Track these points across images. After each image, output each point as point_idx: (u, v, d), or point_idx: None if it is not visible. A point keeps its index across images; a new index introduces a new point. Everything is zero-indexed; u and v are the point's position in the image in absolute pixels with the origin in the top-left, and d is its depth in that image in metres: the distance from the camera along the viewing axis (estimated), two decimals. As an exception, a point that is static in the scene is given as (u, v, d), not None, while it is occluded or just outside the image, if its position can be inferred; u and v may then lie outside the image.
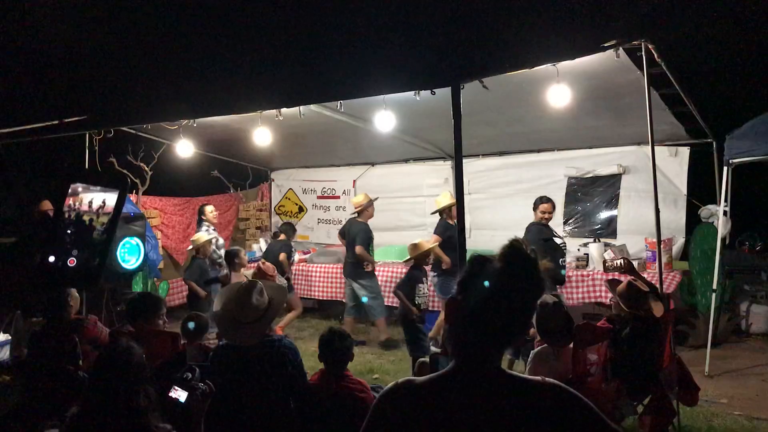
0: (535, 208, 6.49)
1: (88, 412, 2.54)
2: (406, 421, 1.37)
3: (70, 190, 2.16)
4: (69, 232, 1.93)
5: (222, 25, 4.37)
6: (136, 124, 6.84)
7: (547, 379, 1.41)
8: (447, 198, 7.25)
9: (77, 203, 1.93)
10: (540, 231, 6.31)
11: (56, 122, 5.07)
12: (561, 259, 6.24)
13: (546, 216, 6.40)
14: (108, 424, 2.46)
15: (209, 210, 7.73)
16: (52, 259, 1.88)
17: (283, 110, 5.89)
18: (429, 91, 3.97)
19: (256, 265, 6.05)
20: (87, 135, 6.58)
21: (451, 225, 7.00)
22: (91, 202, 1.98)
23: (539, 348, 4.10)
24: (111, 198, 1.97)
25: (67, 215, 1.91)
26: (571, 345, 3.91)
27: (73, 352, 3.12)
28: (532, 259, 1.41)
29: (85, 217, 1.92)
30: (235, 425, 3.28)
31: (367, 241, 7.61)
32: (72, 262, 1.86)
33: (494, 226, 8.19)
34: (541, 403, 1.35)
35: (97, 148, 6.89)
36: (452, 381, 1.40)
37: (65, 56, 4.98)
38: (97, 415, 2.48)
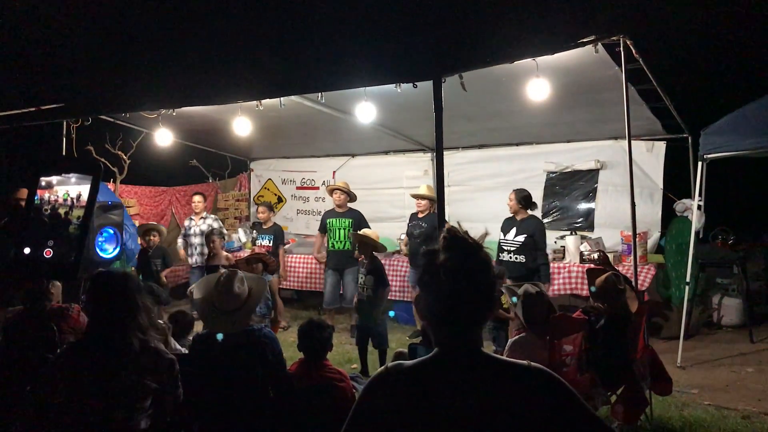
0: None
1: (88, 339, 2.62)
2: (397, 404, 1.41)
3: (44, 183, 2.13)
4: (44, 223, 1.91)
5: (203, 15, 4.34)
6: (115, 112, 6.73)
7: (533, 363, 1.45)
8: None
9: (52, 196, 1.91)
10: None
11: (33, 109, 5.00)
12: None
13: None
14: (110, 344, 2.53)
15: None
16: (27, 250, 1.86)
17: (264, 100, 5.86)
18: (410, 84, 3.97)
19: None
20: (64, 122, 6.49)
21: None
22: (66, 195, 1.96)
23: (516, 337, 4.16)
24: (86, 190, 1.95)
25: (42, 207, 1.89)
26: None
27: (51, 340, 3.11)
28: (470, 240, 1.46)
29: (61, 210, 1.90)
30: (214, 414, 3.29)
31: None
32: (48, 253, 1.84)
33: (473, 218, 8.23)
34: (526, 386, 1.39)
35: (74, 135, 6.81)
36: (439, 364, 1.44)
37: (42, 42, 4.91)
38: (99, 339, 2.55)
